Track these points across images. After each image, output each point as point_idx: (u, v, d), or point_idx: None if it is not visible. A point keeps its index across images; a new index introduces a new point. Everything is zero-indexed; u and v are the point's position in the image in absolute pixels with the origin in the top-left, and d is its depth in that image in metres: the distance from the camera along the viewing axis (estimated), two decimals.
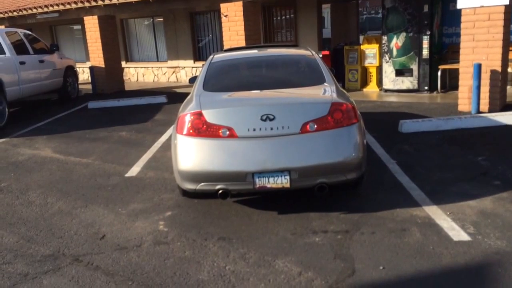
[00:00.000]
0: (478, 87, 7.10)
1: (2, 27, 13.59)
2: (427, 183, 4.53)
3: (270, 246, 3.49)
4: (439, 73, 9.24)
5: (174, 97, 10.86)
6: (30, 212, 4.51)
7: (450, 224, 3.64)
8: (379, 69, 10.21)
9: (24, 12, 13.35)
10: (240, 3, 10.10)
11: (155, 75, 15.22)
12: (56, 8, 12.60)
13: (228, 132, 3.71)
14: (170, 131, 7.33)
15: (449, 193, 4.26)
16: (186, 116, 3.86)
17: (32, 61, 9.90)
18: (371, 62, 10.34)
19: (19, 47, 9.71)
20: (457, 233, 3.48)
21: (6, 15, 13.84)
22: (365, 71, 10.63)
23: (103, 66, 12.53)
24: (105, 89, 12.66)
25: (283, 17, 12.64)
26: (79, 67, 15.28)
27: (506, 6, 6.90)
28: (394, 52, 9.63)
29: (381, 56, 10.01)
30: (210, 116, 3.78)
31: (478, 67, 7.03)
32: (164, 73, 14.96)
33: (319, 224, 3.78)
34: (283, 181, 3.62)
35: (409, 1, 9.23)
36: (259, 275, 3.10)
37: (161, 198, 4.62)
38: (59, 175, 5.64)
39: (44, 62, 10.39)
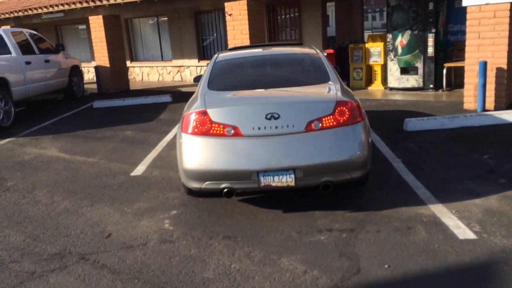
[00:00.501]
0: (484, 85, 7.07)
1: (8, 27, 13.66)
2: (433, 182, 4.52)
3: (275, 244, 3.49)
4: (444, 71, 9.20)
5: (179, 96, 10.88)
6: (37, 211, 4.54)
7: (455, 222, 3.63)
8: (384, 67, 10.18)
9: (30, 12, 13.42)
10: (245, 1, 10.09)
11: (159, 74, 15.25)
12: (61, 8, 12.66)
13: (233, 131, 3.72)
14: (175, 130, 7.35)
15: (455, 191, 4.25)
16: (191, 115, 3.87)
17: (38, 61, 9.95)
18: (376, 60, 10.31)
19: (24, 47, 9.76)
20: (463, 232, 3.47)
21: (12, 15, 13.91)
22: (370, 69, 10.60)
23: (108, 65, 12.58)
24: (110, 89, 12.70)
25: (288, 16, 12.62)
26: (84, 67, 15.34)
27: (511, 3, 6.87)
28: (399, 50, 9.59)
29: (386, 54, 9.98)
30: (215, 115, 3.79)
31: (484, 65, 6.99)
32: (169, 72, 14.99)
33: (324, 222, 3.79)
34: (288, 180, 3.62)
35: None
36: (264, 274, 3.11)
37: (167, 197, 4.64)
38: (65, 174, 5.67)
39: (50, 62, 10.44)
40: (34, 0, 14.60)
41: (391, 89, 9.95)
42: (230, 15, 10.37)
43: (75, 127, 8.45)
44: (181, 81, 14.60)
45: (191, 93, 4.94)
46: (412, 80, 9.61)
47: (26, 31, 10.39)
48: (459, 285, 2.85)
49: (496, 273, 2.93)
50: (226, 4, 10.36)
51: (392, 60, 9.76)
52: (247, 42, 10.21)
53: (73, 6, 12.36)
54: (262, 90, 4.33)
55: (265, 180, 3.63)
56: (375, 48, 10.28)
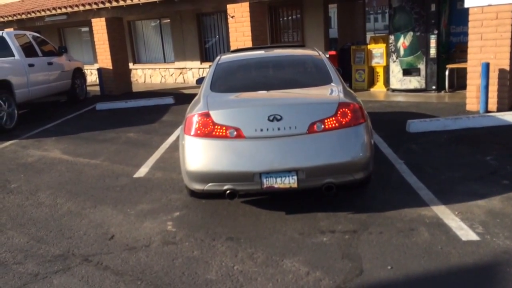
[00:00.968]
0: (486, 86, 7.06)
1: (11, 29, 13.72)
2: (435, 183, 4.51)
3: (278, 246, 3.50)
4: (446, 73, 9.20)
5: (182, 98, 10.91)
6: (40, 212, 4.56)
7: (458, 223, 3.63)
8: (386, 69, 10.18)
9: (33, 15, 13.48)
10: (247, 3, 10.12)
11: (162, 76, 15.29)
12: (64, 10, 12.71)
13: (235, 133, 3.73)
14: (177, 132, 7.37)
15: (457, 192, 4.25)
16: (194, 117, 3.88)
17: (41, 63, 9.99)
18: (378, 62, 10.31)
19: (28, 50, 9.81)
20: (466, 233, 3.47)
21: (15, 17, 13.99)
22: (372, 71, 10.60)
23: (111, 67, 12.62)
24: (113, 91, 12.74)
25: (290, 18, 12.64)
26: (87, 69, 15.39)
27: None
28: (401, 52, 9.59)
29: (388, 55, 9.98)
30: (217, 116, 3.80)
31: (486, 66, 6.99)
32: (171, 74, 15.03)
33: (327, 224, 3.79)
34: (290, 181, 3.63)
35: (416, 0, 9.20)
36: (267, 275, 3.11)
37: (169, 198, 4.65)
38: (68, 176, 5.69)
39: (53, 64, 10.48)
40: (37, 3, 14.67)
41: (394, 90, 9.95)
42: (232, 17, 10.40)
43: (78, 129, 8.47)
44: (184, 83, 14.63)
45: (194, 95, 4.96)
46: (415, 82, 9.61)
47: (29, 34, 10.44)
48: (461, 286, 2.85)
49: (499, 274, 2.93)
50: (228, 6, 10.39)
51: (394, 61, 9.77)
52: (249, 44, 10.23)
53: (76, 9, 12.41)
54: (265, 92, 4.34)
55: (268, 182, 3.63)
56: (377, 50, 10.28)
